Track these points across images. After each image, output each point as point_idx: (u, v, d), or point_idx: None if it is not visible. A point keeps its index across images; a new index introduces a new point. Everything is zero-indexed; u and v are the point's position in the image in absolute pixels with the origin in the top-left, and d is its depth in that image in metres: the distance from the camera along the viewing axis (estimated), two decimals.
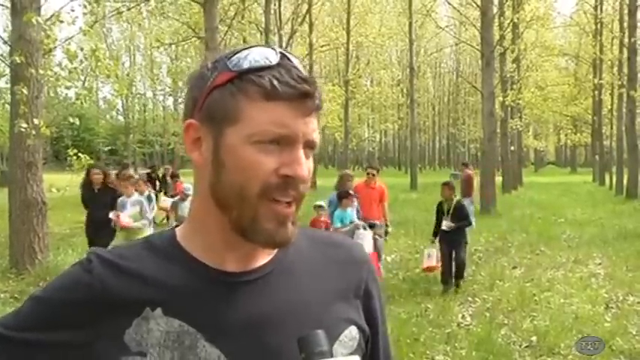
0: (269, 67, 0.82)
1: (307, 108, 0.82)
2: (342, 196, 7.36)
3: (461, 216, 7.60)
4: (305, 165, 0.83)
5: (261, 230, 0.82)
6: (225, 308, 0.85)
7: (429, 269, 7.75)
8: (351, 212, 7.37)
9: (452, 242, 7.49)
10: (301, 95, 0.81)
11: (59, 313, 0.84)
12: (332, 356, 0.76)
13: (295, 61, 0.85)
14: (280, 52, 0.84)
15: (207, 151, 0.85)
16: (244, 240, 0.84)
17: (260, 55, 0.83)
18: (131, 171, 14.59)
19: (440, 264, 7.56)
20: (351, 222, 7.22)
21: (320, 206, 7.70)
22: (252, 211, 0.82)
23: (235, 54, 0.84)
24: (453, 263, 7.49)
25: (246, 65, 0.82)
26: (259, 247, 0.86)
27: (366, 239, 6.83)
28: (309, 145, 0.84)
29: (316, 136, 0.85)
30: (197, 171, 0.88)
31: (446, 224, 7.51)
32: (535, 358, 5.12)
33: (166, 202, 13.85)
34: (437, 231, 7.67)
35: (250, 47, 0.85)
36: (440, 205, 7.78)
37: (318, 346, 0.76)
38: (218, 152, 0.83)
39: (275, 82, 0.80)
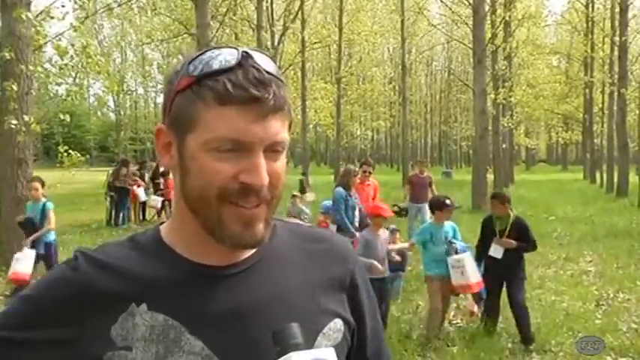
0: (226, 70, 0.80)
1: (262, 110, 0.80)
2: (437, 206, 5.67)
3: (524, 238, 5.50)
4: (263, 172, 0.81)
5: (228, 232, 0.83)
6: (208, 301, 0.86)
7: (471, 313, 5.95)
8: (448, 229, 5.61)
9: (504, 276, 5.44)
10: (253, 98, 0.79)
11: (46, 311, 0.85)
12: (307, 348, 0.76)
13: (259, 60, 0.82)
14: (243, 52, 0.82)
15: (175, 156, 0.86)
16: (215, 242, 0.85)
17: (219, 58, 0.81)
18: (132, 167, 14.59)
19: (477, 308, 5.83)
20: (449, 241, 5.45)
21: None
22: (215, 215, 0.83)
23: (197, 57, 0.83)
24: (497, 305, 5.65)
25: (204, 69, 0.81)
26: (229, 249, 0.86)
27: (468, 265, 5.22)
28: (272, 149, 0.83)
29: (281, 138, 0.83)
30: (172, 173, 0.90)
31: (496, 248, 5.49)
32: (526, 356, 5.15)
33: (156, 200, 13.85)
34: (481, 257, 5.66)
35: (214, 49, 0.83)
36: (488, 222, 5.72)
37: (292, 338, 0.77)
38: (182, 158, 0.84)
39: (229, 86, 0.79)
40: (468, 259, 5.27)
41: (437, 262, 5.47)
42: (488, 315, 5.55)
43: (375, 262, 5.23)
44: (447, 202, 5.59)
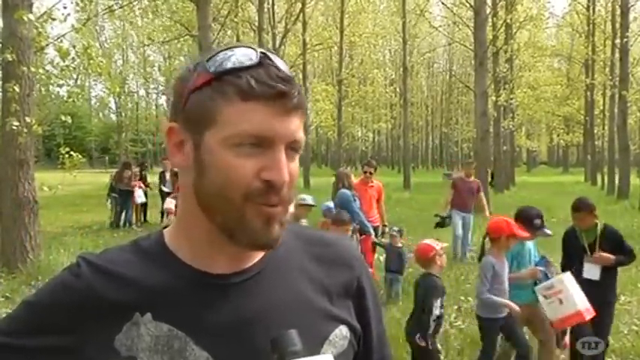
0: (247, 68, 0.80)
1: (286, 107, 0.80)
2: (525, 222, 4.42)
3: (619, 249, 4.52)
4: (285, 169, 0.80)
5: (248, 231, 0.81)
6: (213, 311, 0.85)
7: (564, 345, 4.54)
8: (532, 247, 4.66)
9: (596, 299, 4.11)
10: (278, 94, 0.79)
11: (48, 318, 0.85)
12: (305, 356, 0.75)
13: (276, 61, 0.82)
14: (261, 52, 0.82)
15: (190, 154, 0.84)
16: (230, 242, 0.83)
17: (239, 56, 0.81)
18: (133, 169, 14.56)
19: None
20: (545, 261, 4.49)
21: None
22: (238, 213, 0.81)
23: (215, 55, 0.83)
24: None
25: (224, 66, 0.80)
26: (245, 249, 0.85)
27: (570, 287, 4.02)
28: (291, 146, 0.83)
29: (300, 137, 0.83)
30: (181, 174, 0.88)
31: (591, 268, 4.44)
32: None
33: (171, 203, 13.73)
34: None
35: (231, 48, 0.83)
36: (572, 237, 4.71)
37: (290, 345, 0.76)
38: (199, 155, 0.82)
39: (252, 82, 0.79)
40: (568, 281, 4.06)
41: (522, 289, 4.39)
42: (575, 343, 4.32)
43: (513, 305, 4.07)
44: (537, 221, 4.44)
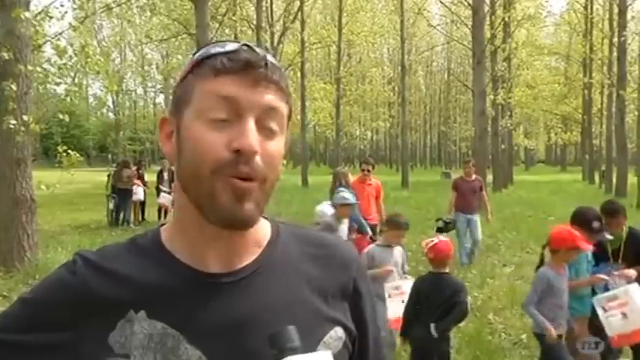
0: (225, 52, 0.83)
1: (254, 77, 0.82)
2: (583, 224, 4.06)
3: None
4: (253, 137, 0.80)
5: (218, 206, 0.81)
6: (207, 310, 0.85)
7: None
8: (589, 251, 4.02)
9: None
10: (245, 64, 0.82)
11: (44, 315, 0.85)
12: (304, 352, 0.75)
13: (257, 49, 0.85)
14: (244, 44, 0.85)
15: (174, 140, 0.87)
16: (206, 221, 0.83)
17: (221, 45, 0.85)
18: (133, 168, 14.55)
19: None
20: (609, 267, 4.11)
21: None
22: (207, 188, 0.81)
23: (202, 48, 0.88)
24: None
25: (205, 54, 0.85)
26: (217, 227, 0.84)
27: (637, 298, 3.69)
28: (266, 121, 0.83)
29: (275, 104, 0.84)
30: (174, 162, 0.89)
31: (615, 281, 3.98)
32: (525, 356, 5.15)
33: (165, 198, 13.74)
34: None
35: (218, 42, 0.88)
36: (597, 244, 4.12)
37: (289, 341, 0.75)
38: (179, 137, 0.85)
39: (224, 60, 0.82)
40: (634, 292, 3.64)
41: (579, 299, 4.05)
42: None
43: (550, 328, 3.67)
44: (596, 224, 4.04)
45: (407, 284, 4.46)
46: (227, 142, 0.80)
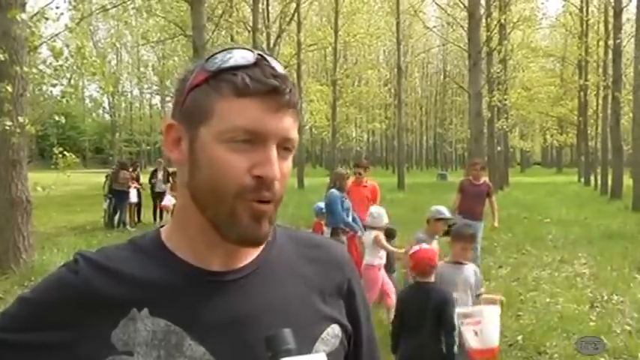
0: (244, 67, 0.83)
1: (278, 103, 0.83)
2: None
3: None
4: (276, 165, 0.82)
5: (238, 227, 0.83)
6: (210, 307, 0.86)
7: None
8: None
9: None
10: (271, 90, 0.82)
11: (45, 314, 0.85)
12: (299, 354, 0.76)
13: (272, 62, 0.85)
14: (258, 54, 0.85)
15: (186, 150, 0.86)
16: (220, 237, 0.85)
17: (237, 56, 0.84)
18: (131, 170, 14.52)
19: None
20: None
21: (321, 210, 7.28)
22: (228, 209, 0.83)
23: (214, 55, 0.86)
24: None
25: (222, 65, 0.83)
26: (234, 244, 0.86)
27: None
28: (284, 145, 0.85)
29: (293, 135, 0.85)
30: (178, 171, 0.90)
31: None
32: (521, 358, 5.16)
33: (170, 201, 13.67)
34: None
35: (230, 49, 0.86)
36: None
37: (284, 344, 0.77)
38: (193, 151, 0.85)
39: (247, 79, 0.82)
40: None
41: None
42: None
43: None
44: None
45: (480, 311, 3.96)
46: (249, 166, 0.82)
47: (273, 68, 0.84)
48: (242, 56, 0.84)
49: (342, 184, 7.34)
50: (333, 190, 7.24)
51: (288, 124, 0.84)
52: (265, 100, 0.81)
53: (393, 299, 5.66)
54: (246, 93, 0.81)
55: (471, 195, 8.17)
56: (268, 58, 0.85)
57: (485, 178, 8.57)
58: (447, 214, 5.59)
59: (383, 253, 6.10)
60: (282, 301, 0.91)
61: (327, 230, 7.23)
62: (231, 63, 0.83)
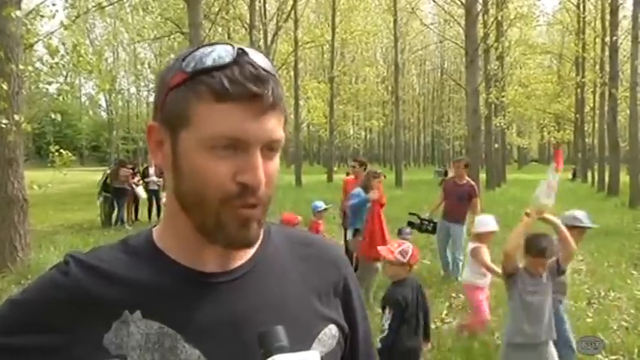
0: (222, 67, 0.78)
1: (261, 108, 0.79)
2: None
3: None
4: (260, 170, 0.80)
5: (225, 232, 0.82)
6: (204, 309, 0.85)
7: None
8: None
9: None
10: (252, 95, 0.78)
11: (36, 317, 0.83)
12: (291, 352, 0.76)
13: (254, 57, 0.80)
14: (239, 49, 0.80)
15: (168, 155, 0.84)
16: (209, 242, 0.84)
17: (213, 54, 0.79)
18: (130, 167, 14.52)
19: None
20: None
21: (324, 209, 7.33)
22: (214, 216, 0.81)
23: (191, 53, 0.81)
24: None
25: (198, 65, 0.79)
26: (224, 249, 0.85)
27: None
28: (269, 146, 0.82)
29: (278, 136, 0.82)
30: (165, 172, 0.88)
31: None
32: None
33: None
34: None
35: (208, 45, 0.82)
36: None
37: (277, 341, 0.76)
38: (175, 156, 0.82)
39: (225, 82, 0.77)
40: None
41: None
42: None
43: None
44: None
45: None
46: (233, 173, 0.79)
47: (254, 66, 0.79)
48: (219, 55, 0.79)
49: (368, 184, 6.83)
50: (359, 189, 6.84)
51: (271, 126, 0.80)
52: (246, 104, 0.78)
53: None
54: (226, 97, 0.77)
55: (452, 196, 7.83)
56: (250, 53, 0.81)
57: (468, 179, 8.09)
58: (493, 226, 5.50)
59: (486, 271, 5.38)
60: (278, 301, 0.90)
61: (349, 232, 7.11)
62: (209, 63, 0.78)
